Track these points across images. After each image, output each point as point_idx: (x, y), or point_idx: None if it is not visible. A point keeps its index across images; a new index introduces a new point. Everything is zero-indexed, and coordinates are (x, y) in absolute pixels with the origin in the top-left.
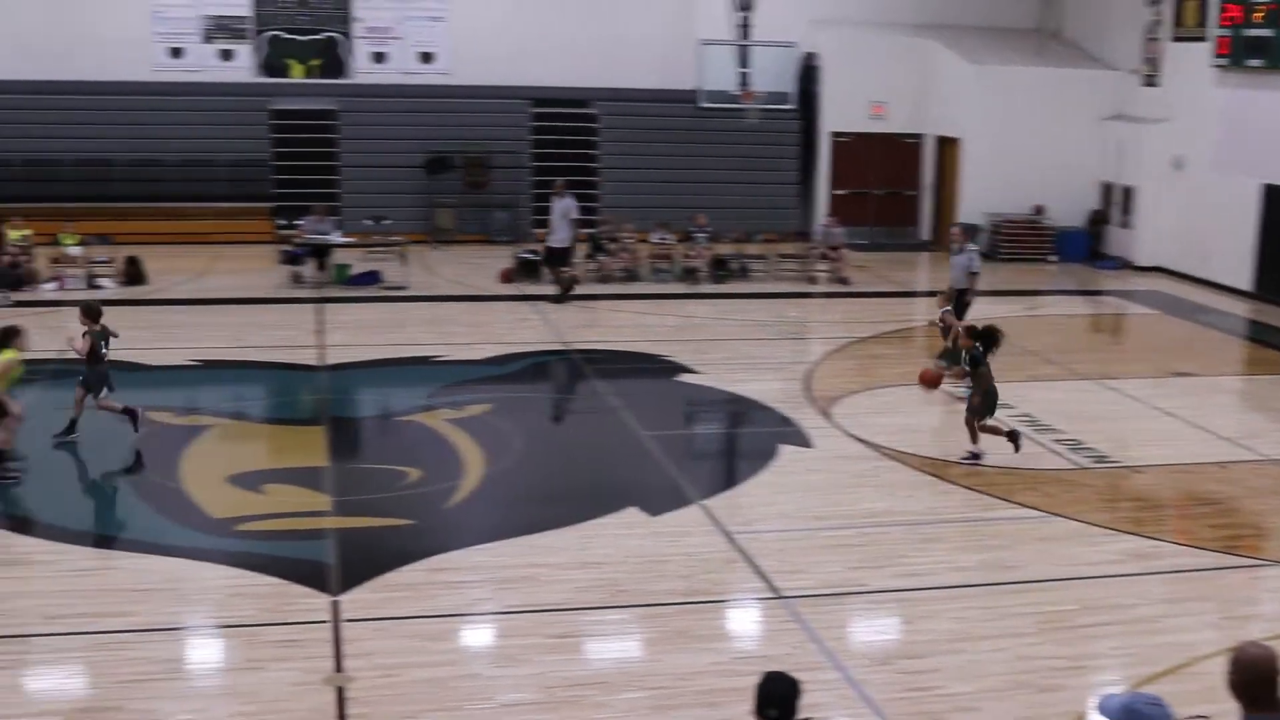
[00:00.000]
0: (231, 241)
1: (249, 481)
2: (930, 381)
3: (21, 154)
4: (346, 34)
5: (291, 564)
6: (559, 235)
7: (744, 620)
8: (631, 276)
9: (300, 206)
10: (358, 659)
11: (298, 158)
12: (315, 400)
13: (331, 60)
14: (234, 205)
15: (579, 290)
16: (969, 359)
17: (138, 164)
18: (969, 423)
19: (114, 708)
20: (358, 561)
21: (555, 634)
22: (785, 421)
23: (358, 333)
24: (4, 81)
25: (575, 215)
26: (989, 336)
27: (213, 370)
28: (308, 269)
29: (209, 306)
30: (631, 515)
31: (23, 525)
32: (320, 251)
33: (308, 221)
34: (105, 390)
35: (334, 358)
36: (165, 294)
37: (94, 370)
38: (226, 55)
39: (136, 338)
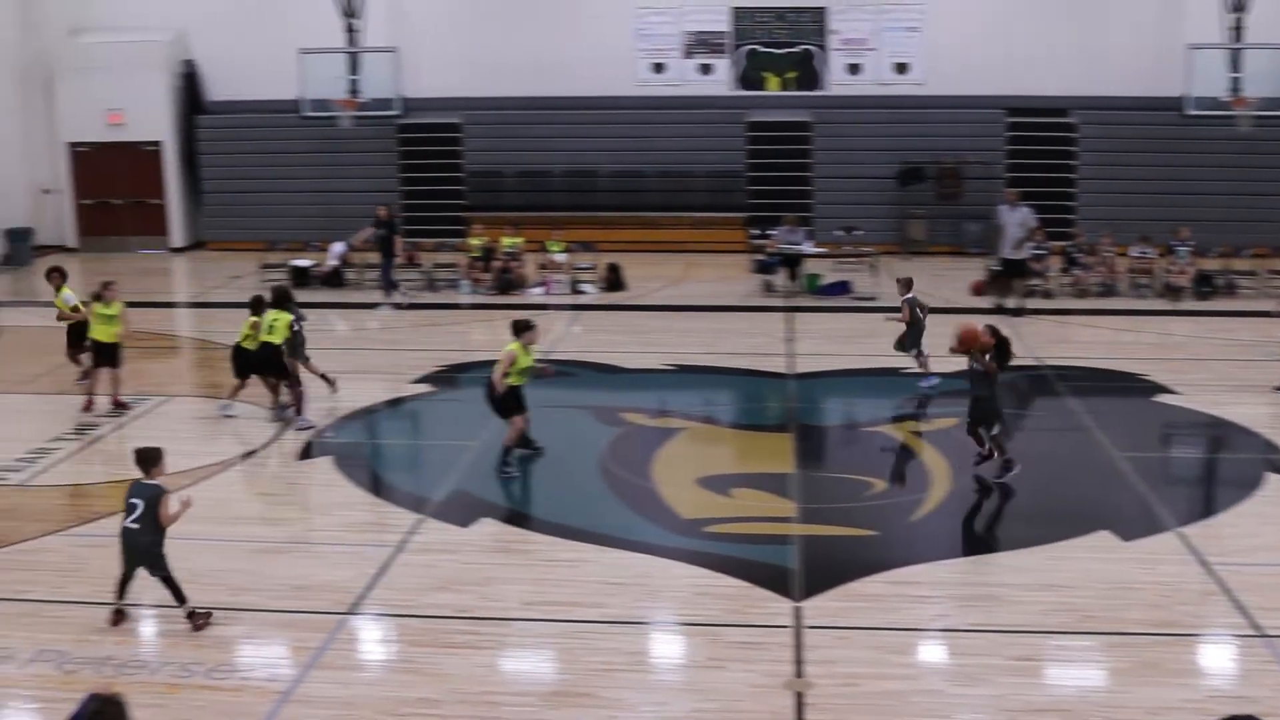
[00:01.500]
0: (706, 250)
1: (718, 484)
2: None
3: (515, 166)
4: (822, 46)
5: (756, 567)
6: (1015, 246)
7: (1220, 656)
8: (1108, 291)
9: (773, 217)
10: (818, 666)
11: (772, 169)
12: (784, 407)
13: (807, 72)
14: (710, 215)
15: (1052, 305)
16: (989, 359)
17: (620, 175)
18: (973, 433)
19: (584, 694)
20: (821, 569)
21: (1017, 656)
22: (1273, 448)
23: (827, 342)
24: (500, 99)
25: (1033, 225)
26: (1003, 348)
27: (685, 375)
28: (779, 278)
29: (683, 313)
30: (1102, 539)
31: (507, 515)
32: (792, 261)
33: (780, 231)
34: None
35: (803, 366)
36: (643, 300)
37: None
38: (706, 69)
39: (615, 341)
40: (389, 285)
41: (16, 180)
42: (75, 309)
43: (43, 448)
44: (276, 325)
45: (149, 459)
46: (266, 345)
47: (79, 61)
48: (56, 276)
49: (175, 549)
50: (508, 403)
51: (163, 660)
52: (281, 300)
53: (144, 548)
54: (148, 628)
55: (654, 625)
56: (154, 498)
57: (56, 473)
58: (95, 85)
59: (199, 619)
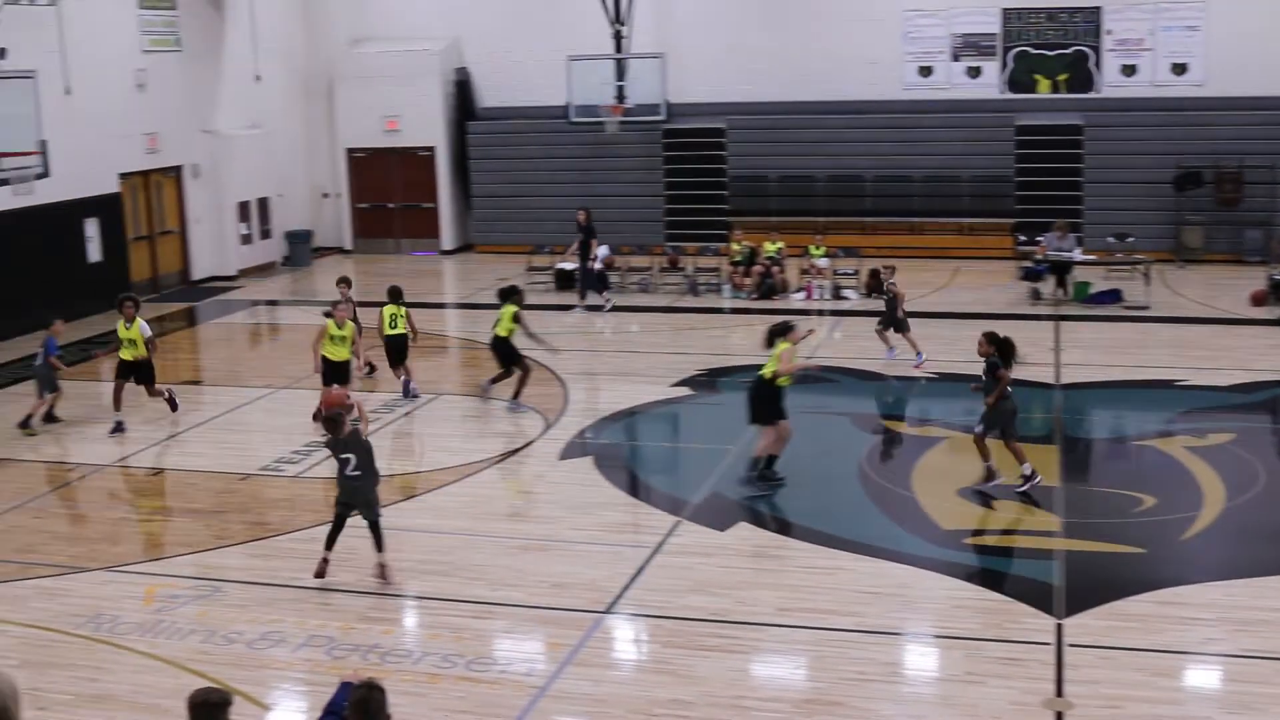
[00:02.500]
0: (971, 256)
1: (979, 495)
2: (333, 404)
3: (779, 171)
4: (1095, 47)
5: (1017, 582)
6: None
7: None
8: None
9: (1042, 223)
10: (1079, 685)
11: (1041, 173)
12: (1049, 418)
13: (1079, 74)
14: (976, 221)
15: None
16: (986, 366)
17: (885, 180)
18: (978, 440)
19: (836, 703)
20: (1085, 586)
21: None
22: None
23: (1096, 352)
24: (764, 103)
25: None
26: (1006, 346)
27: (947, 383)
28: (1047, 286)
29: (946, 320)
30: None
31: (764, 520)
32: (1060, 268)
33: (1049, 238)
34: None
35: (1069, 376)
36: (906, 306)
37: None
38: (974, 72)
39: (876, 348)
40: (589, 287)
41: (298, 184)
42: (151, 342)
43: (317, 441)
44: (503, 318)
45: (336, 421)
46: (496, 338)
47: (358, 70)
48: (130, 306)
49: (438, 543)
50: (771, 406)
51: (425, 651)
52: (508, 295)
53: (366, 492)
54: (410, 618)
55: (910, 636)
56: (366, 447)
57: (330, 465)
58: (373, 93)
59: (388, 571)
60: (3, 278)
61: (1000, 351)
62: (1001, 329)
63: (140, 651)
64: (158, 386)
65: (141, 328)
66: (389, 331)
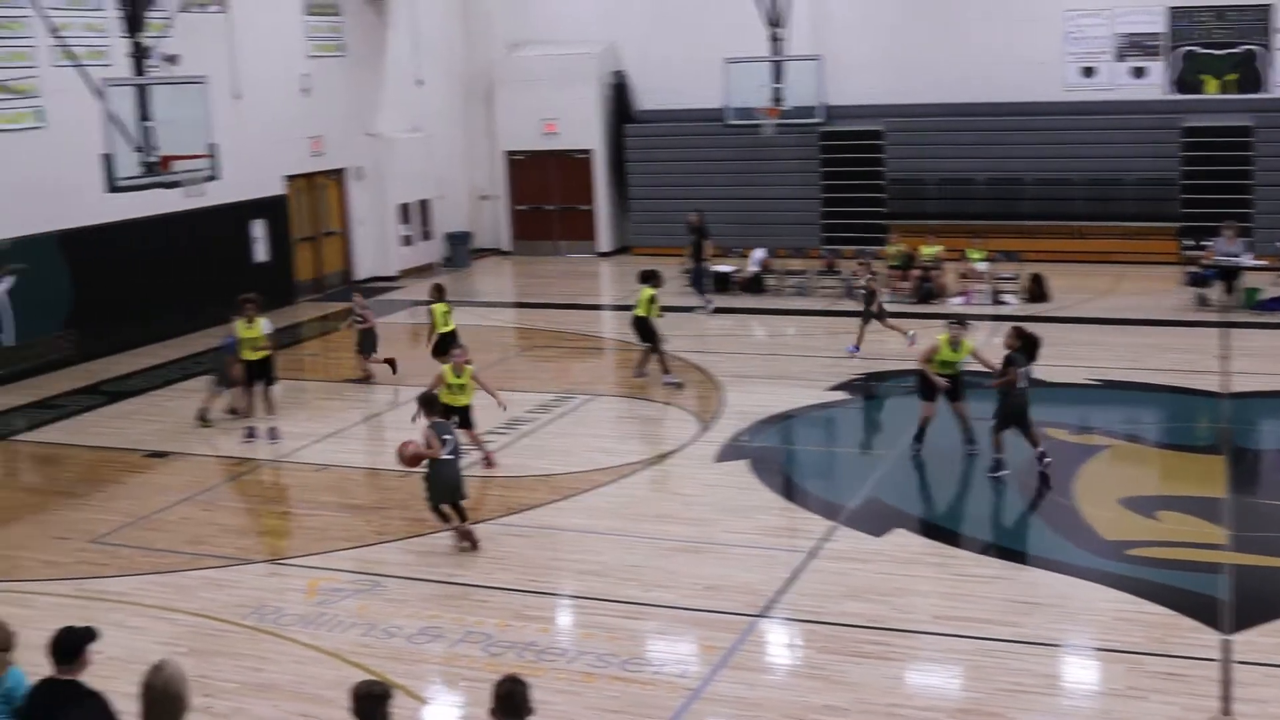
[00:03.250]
0: (1135, 261)
1: (1142, 506)
2: (409, 460)
3: (937, 173)
4: (1266, 46)
5: (1182, 595)
6: None
7: None
8: None
9: (1209, 227)
10: (1247, 704)
11: (1208, 176)
12: (1216, 428)
13: (1249, 74)
14: (1140, 225)
15: None
16: (1005, 359)
17: (1046, 183)
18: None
19: (993, 714)
20: (1255, 601)
21: None
22: None
23: (1266, 361)
24: (922, 105)
25: None
26: (1030, 342)
27: (1110, 390)
28: (1214, 291)
29: (1110, 326)
30: None
31: (921, 526)
32: (1229, 274)
33: (1217, 242)
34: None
35: (1238, 385)
36: (1067, 312)
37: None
38: (1139, 73)
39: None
40: (700, 289)
41: (458, 187)
42: (271, 340)
43: (492, 431)
44: (640, 299)
45: (433, 402)
46: (635, 317)
47: (516, 74)
48: (251, 307)
49: (592, 543)
50: (922, 389)
51: (580, 650)
52: (647, 278)
53: (460, 477)
54: (565, 617)
55: (1070, 648)
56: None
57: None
58: (531, 96)
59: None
60: (174, 277)
61: (1025, 347)
62: (1167, 336)
63: (303, 643)
64: (271, 392)
65: (263, 326)
66: (443, 329)
